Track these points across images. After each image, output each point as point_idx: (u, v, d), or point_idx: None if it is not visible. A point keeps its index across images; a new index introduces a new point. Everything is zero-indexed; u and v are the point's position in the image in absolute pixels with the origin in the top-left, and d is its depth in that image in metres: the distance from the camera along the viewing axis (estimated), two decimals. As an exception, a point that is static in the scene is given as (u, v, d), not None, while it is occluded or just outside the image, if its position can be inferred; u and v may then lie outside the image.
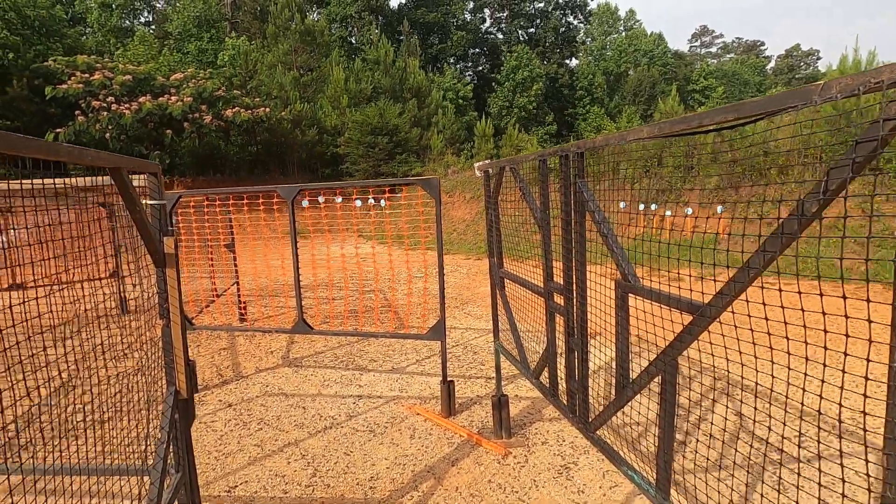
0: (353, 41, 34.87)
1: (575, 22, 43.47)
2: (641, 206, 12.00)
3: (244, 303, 7.12)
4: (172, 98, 16.94)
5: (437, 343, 4.59)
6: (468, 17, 41.28)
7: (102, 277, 9.13)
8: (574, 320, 2.23)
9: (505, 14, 43.12)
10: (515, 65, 34.23)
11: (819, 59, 68.02)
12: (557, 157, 2.21)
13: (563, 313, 2.31)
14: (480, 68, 42.37)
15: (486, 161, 3.63)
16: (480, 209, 16.76)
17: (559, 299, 2.38)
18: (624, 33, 47.41)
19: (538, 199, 2.55)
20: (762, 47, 73.60)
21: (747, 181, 10.88)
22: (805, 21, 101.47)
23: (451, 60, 39.32)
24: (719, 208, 10.46)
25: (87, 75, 15.98)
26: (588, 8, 43.51)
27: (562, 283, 2.27)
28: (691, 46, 74.52)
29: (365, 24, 32.66)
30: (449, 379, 3.77)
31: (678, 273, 2.18)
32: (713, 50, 74.69)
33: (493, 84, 35.92)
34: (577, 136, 37.85)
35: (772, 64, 67.63)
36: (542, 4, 41.78)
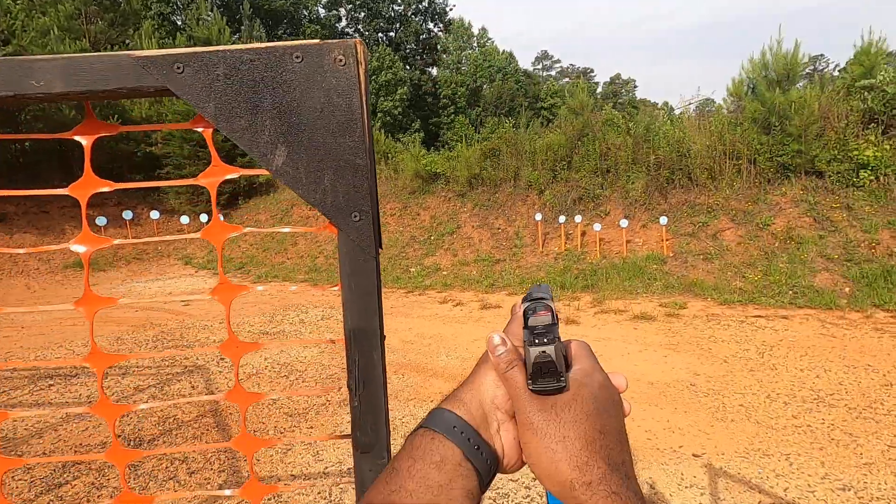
0: (179, 22, 28.61)
1: (435, 30, 42.51)
2: (562, 219, 9.93)
3: None
4: None
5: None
6: (322, 11, 37.45)
7: None
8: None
9: (363, 15, 40.26)
10: (377, 66, 31.55)
11: (636, 87, 78.69)
12: None
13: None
14: (338, 70, 38.79)
15: None
16: (353, 224, 13.32)
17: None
18: (478, 49, 48.09)
19: None
20: (592, 73, 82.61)
21: (677, 187, 9.45)
22: (625, 53, 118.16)
23: (305, 57, 35.04)
24: (662, 219, 8.79)
25: None
26: (447, 17, 42.90)
27: None
28: (535, 68, 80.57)
29: (192, 2, 26.84)
30: None
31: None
32: (553, 73, 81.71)
33: (354, 86, 32.71)
34: (443, 145, 36.38)
35: (600, 89, 76.19)
36: (401, 8, 39.89)
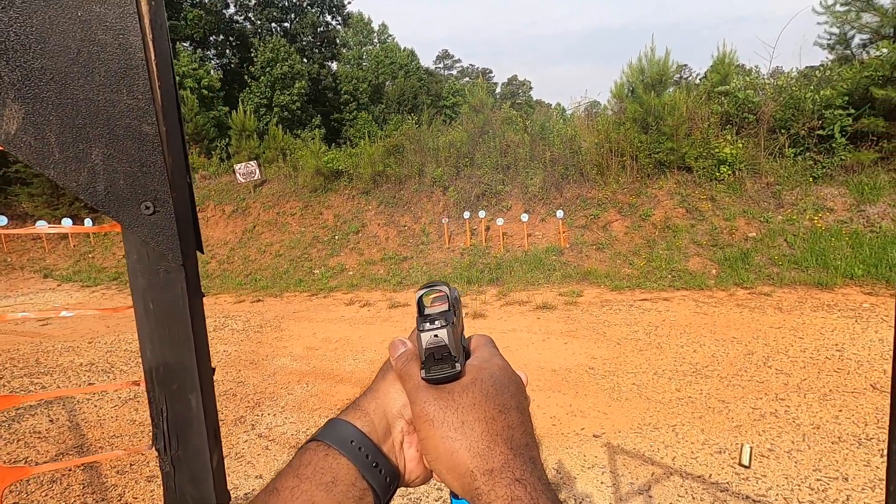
0: None
1: (333, 23, 41.18)
2: (467, 214, 10.06)
3: None
4: None
5: None
6: (206, -5, 34.50)
7: None
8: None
9: (253, 2, 37.77)
10: (272, 57, 29.79)
11: (531, 88, 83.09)
12: None
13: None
14: (227, 61, 36.07)
15: None
16: (248, 226, 12.46)
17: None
18: (379, 46, 47.53)
19: None
20: (491, 74, 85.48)
21: (571, 182, 10.01)
22: (520, 55, 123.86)
23: (188, 44, 32.09)
24: (559, 213, 9.25)
25: None
26: (346, 10, 41.77)
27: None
28: (436, 67, 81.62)
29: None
30: None
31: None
32: (454, 72, 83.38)
33: (247, 78, 30.61)
34: (346, 141, 35.28)
35: (499, 89, 79.34)
36: (295, -2, 38.07)
